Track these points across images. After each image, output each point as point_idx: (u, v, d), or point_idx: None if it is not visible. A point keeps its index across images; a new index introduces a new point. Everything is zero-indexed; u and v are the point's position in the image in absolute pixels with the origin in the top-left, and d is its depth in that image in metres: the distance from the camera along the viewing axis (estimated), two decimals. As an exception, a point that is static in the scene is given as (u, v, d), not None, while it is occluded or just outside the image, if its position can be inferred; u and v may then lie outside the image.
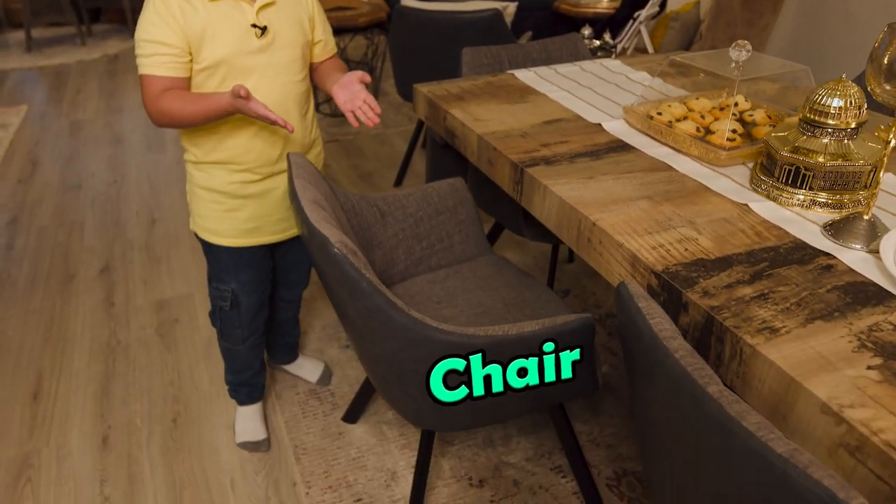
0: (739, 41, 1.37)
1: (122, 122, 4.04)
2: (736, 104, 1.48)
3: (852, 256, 1.03)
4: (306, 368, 2.00)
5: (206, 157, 1.46)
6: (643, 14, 2.43)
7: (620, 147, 1.43)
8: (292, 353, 1.98)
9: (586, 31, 2.57)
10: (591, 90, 1.76)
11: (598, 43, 2.57)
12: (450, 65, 2.73)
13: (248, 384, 1.80)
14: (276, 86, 1.42)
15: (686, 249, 1.06)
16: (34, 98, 4.45)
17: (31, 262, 2.66)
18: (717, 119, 1.43)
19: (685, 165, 1.33)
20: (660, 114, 1.45)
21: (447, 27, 2.59)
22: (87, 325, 2.30)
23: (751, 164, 1.33)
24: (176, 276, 2.56)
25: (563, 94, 1.74)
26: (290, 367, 2.00)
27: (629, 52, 2.53)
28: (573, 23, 3.65)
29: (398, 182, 3.11)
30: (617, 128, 1.51)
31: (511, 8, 2.74)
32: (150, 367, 2.10)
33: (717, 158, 1.31)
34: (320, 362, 2.02)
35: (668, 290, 0.99)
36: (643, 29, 2.44)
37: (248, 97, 1.24)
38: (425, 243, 1.66)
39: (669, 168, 1.33)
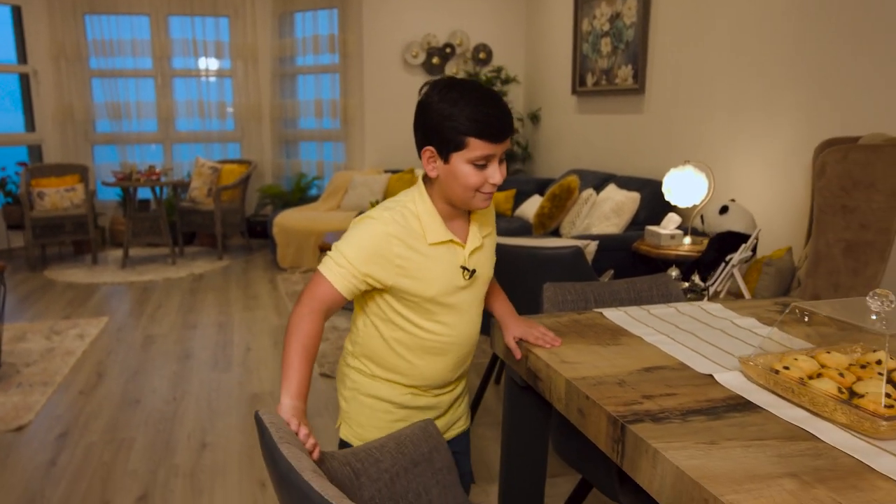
0: (879, 290, 1.18)
1: (194, 339, 4.04)
2: (879, 361, 1.25)
3: None
4: None
5: (383, 374, 1.48)
6: (736, 258, 2.31)
7: (742, 406, 1.20)
8: None
9: (674, 273, 2.45)
10: (692, 335, 1.57)
11: (686, 285, 2.43)
12: (529, 302, 2.61)
13: None
14: (470, 320, 1.47)
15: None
16: (117, 311, 4.59)
17: (69, 482, 2.48)
18: (859, 379, 1.20)
19: (831, 435, 1.08)
20: (787, 368, 1.23)
21: (527, 263, 2.51)
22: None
23: (915, 439, 1.06)
24: (214, 513, 2.30)
25: (661, 338, 1.55)
26: None
27: (721, 295, 2.37)
28: (653, 263, 3.57)
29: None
30: (733, 381, 1.29)
31: (592, 246, 2.68)
32: None
33: (874, 429, 1.05)
34: None
35: None
36: (736, 273, 2.29)
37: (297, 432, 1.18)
38: (403, 503, 1.39)
39: (812, 437, 1.08)
